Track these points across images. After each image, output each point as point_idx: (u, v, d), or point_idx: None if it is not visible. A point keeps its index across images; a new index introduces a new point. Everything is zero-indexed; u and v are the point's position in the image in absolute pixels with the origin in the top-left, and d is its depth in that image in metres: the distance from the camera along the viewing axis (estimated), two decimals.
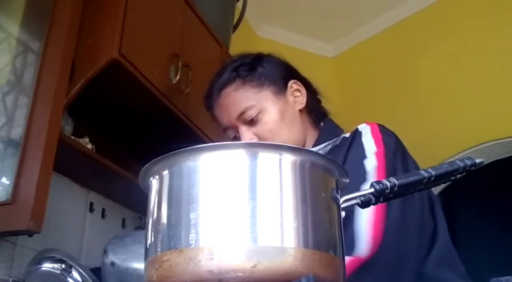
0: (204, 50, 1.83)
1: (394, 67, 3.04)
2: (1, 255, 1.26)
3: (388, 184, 0.57)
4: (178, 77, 1.53)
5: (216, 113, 1.11)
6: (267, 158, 0.53)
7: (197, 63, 1.69)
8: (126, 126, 1.66)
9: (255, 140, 1.03)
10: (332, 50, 3.38)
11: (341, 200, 0.57)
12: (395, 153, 0.93)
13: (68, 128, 1.38)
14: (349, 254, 0.82)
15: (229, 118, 1.06)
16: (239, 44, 2.29)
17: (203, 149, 0.53)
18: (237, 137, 1.07)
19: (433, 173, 0.60)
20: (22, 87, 1.37)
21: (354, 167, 0.90)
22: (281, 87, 1.07)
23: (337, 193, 0.57)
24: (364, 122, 1.02)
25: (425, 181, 0.59)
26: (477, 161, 0.63)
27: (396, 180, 0.58)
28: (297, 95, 1.08)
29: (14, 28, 1.48)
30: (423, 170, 0.60)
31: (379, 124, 1.00)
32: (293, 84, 1.09)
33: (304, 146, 1.07)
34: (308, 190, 0.53)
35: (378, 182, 0.58)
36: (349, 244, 0.83)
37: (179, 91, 1.55)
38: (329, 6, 3.05)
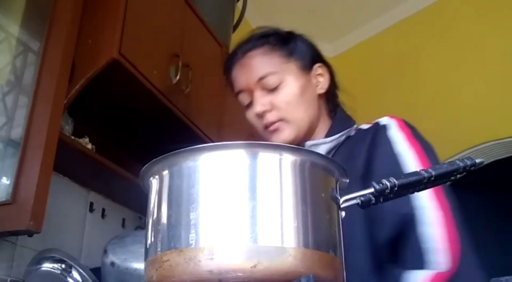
0: (204, 50, 1.83)
1: (394, 67, 3.04)
2: (1, 255, 1.26)
3: (388, 184, 0.57)
4: (178, 77, 1.53)
5: (234, 74, 1.06)
6: (267, 158, 0.53)
7: (197, 63, 1.69)
8: (126, 126, 1.66)
9: (267, 108, 0.99)
10: (332, 50, 3.38)
11: (341, 200, 0.57)
12: (426, 145, 0.92)
13: (68, 128, 1.38)
14: (419, 268, 0.76)
15: (247, 81, 1.02)
16: None
17: (203, 149, 0.53)
18: (247, 105, 1.04)
19: (433, 173, 0.60)
20: (22, 87, 1.37)
21: (388, 160, 0.88)
22: (307, 66, 1.04)
23: (337, 193, 0.57)
24: (385, 116, 1.00)
25: (425, 181, 0.59)
26: (477, 161, 0.63)
27: (396, 179, 0.58)
28: (320, 80, 1.06)
29: (14, 28, 1.48)
30: (423, 170, 0.60)
31: (404, 120, 0.98)
32: (318, 68, 1.06)
33: (314, 132, 1.04)
34: (308, 190, 0.53)
35: (378, 182, 0.58)
36: (416, 255, 0.77)
37: (179, 91, 1.56)
38: (329, 6, 3.05)
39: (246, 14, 2.27)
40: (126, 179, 1.50)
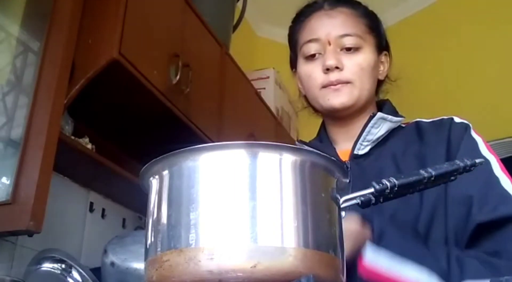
0: (204, 50, 1.83)
1: (394, 67, 3.04)
2: (1, 255, 1.26)
3: (388, 184, 0.57)
4: (178, 77, 1.53)
5: (314, 22, 1.02)
6: (267, 158, 0.53)
7: (197, 63, 1.69)
8: (126, 126, 1.66)
9: (340, 65, 0.97)
10: None
11: (341, 200, 0.57)
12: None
13: (68, 128, 1.38)
14: None
15: (327, 32, 0.99)
16: (239, 44, 2.29)
17: (203, 149, 0.53)
18: (310, 56, 1.00)
19: (433, 173, 0.60)
20: (22, 87, 1.37)
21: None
22: (379, 47, 1.05)
23: (337, 193, 0.57)
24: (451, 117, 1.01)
25: (425, 181, 0.59)
26: (477, 161, 0.63)
27: (396, 180, 0.58)
28: (381, 67, 1.07)
29: (14, 28, 1.48)
30: (423, 170, 0.60)
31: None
32: (384, 55, 1.08)
33: (364, 113, 1.03)
34: (308, 190, 0.53)
35: (378, 182, 0.58)
36: None
37: (179, 91, 1.56)
38: None
39: (246, 14, 2.27)
40: (126, 179, 1.50)
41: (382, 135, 0.99)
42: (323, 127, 1.07)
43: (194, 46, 1.72)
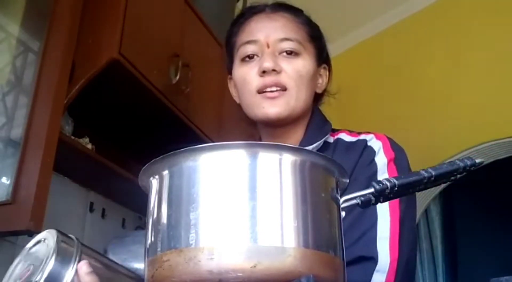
0: (204, 50, 1.83)
1: (394, 67, 3.04)
2: (1, 255, 1.26)
3: (388, 184, 0.57)
4: (178, 77, 1.53)
5: (255, 24, 0.97)
6: (267, 158, 0.53)
7: (197, 63, 1.69)
8: (126, 126, 1.66)
9: (277, 68, 0.91)
10: (332, 50, 3.38)
11: (341, 200, 0.57)
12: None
13: (68, 128, 1.38)
14: None
15: (267, 34, 0.93)
16: None
17: (203, 149, 0.53)
18: (246, 58, 0.95)
19: (433, 173, 0.60)
20: (22, 87, 1.37)
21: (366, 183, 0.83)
22: (319, 59, 0.99)
23: (337, 193, 0.57)
24: (371, 133, 0.94)
25: (425, 181, 0.59)
26: (477, 161, 0.63)
27: (396, 180, 0.58)
28: (319, 80, 1.00)
29: (14, 28, 1.48)
30: (423, 170, 0.60)
31: (389, 139, 0.93)
32: (323, 68, 1.01)
33: (297, 126, 0.97)
34: (308, 190, 0.53)
35: (378, 182, 0.58)
36: None
37: (179, 91, 1.56)
38: (328, 6, 3.05)
39: None
40: (126, 179, 1.50)
41: None
42: (258, 137, 1.02)
43: (194, 46, 1.72)
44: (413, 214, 0.87)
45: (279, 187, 0.52)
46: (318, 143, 0.94)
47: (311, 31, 0.99)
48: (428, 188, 0.63)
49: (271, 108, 0.91)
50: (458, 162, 0.61)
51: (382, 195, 0.58)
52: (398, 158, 0.89)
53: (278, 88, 0.91)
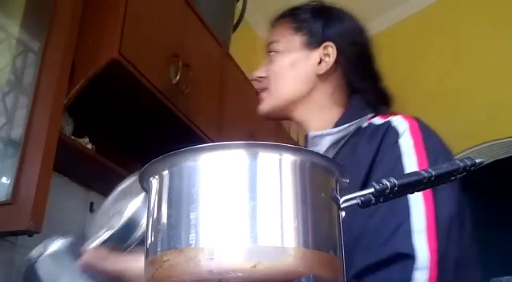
0: (204, 50, 1.83)
1: (394, 67, 3.04)
2: (1, 255, 1.26)
3: (388, 184, 0.57)
4: (178, 77, 1.53)
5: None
6: (267, 158, 0.53)
7: (197, 63, 1.69)
8: (126, 126, 1.66)
9: (263, 74, 1.01)
10: None
11: (341, 200, 0.57)
12: (437, 158, 0.83)
13: (68, 128, 1.38)
14: None
15: (266, 44, 1.05)
16: (239, 44, 2.30)
17: (203, 149, 0.53)
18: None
19: (433, 173, 0.60)
20: (22, 87, 1.37)
21: (390, 172, 0.79)
22: (313, 43, 0.99)
23: (337, 193, 0.57)
24: (399, 114, 0.91)
25: (425, 181, 0.59)
26: (477, 161, 0.63)
27: (396, 180, 0.58)
28: (325, 60, 0.98)
29: (14, 28, 1.48)
30: (423, 170, 0.60)
31: (417, 120, 0.89)
32: (328, 47, 0.99)
33: (300, 106, 1.00)
34: (308, 190, 0.53)
35: (378, 182, 0.58)
36: None
37: (179, 91, 1.56)
38: None
39: (246, 14, 2.27)
40: None
41: (326, 150, 0.93)
42: None
43: (194, 46, 1.72)
44: (450, 201, 0.80)
45: (279, 187, 0.52)
46: (345, 126, 0.93)
47: (295, 23, 1.02)
48: (428, 188, 0.63)
49: (259, 109, 1.02)
50: (458, 162, 0.61)
51: (382, 195, 0.58)
52: (427, 138, 0.85)
53: (263, 91, 1.01)
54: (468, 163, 0.61)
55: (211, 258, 0.48)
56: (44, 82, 1.23)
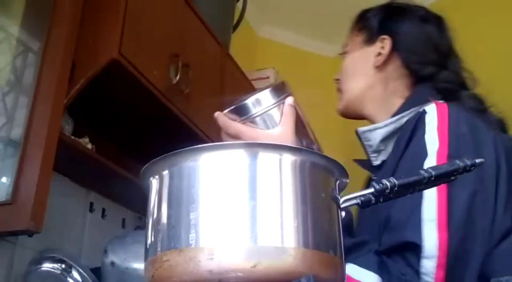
0: (204, 50, 1.83)
1: None
2: (1, 255, 1.26)
3: (388, 184, 0.58)
4: (178, 77, 1.53)
5: None
6: (267, 158, 0.53)
7: (197, 63, 1.69)
8: (126, 126, 1.66)
9: (338, 77, 1.09)
10: (332, 50, 3.38)
11: (341, 200, 0.57)
12: (460, 147, 0.81)
13: (68, 128, 1.38)
14: None
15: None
16: (239, 44, 2.29)
17: (203, 149, 0.53)
18: None
19: (433, 173, 0.60)
20: (22, 87, 1.37)
21: (410, 168, 0.79)
22: (371, 39, 1.06)
23: (337, 193, 0.57)
24: (433, 101, 0.89)
25: (425, 181, 0.60)
26: (477, 161, 0.63)
27: (396, 180, 0.58)
28: (381, 52, 1.03)
29: (14, 28, 1.48)
30: (423, 170, 0.60)
31: (449, 107, 0.88)
32: (384, 40, 1.04)
33: (375, 109, 1.02)
34: (308, 190, 0.53)
35: (378, 182, 0.58)
36: None
37: (179, 91, 1.55)
38: (329, 6, 3.05)
39: (246, 14, 2.26)
40: (126, 179, 1.49)
41: (380, 144, 0.95)
42: None
43: (194, 46, 1.72)
44: (465, 192, 0.79)
45: (279, 187, 0.52)
46: (395, 119, 0.94)
47: (359, 24, 1.10)
48: (428, 188, 0.63)
49: (337, 108, 1.10)
50: (458, 162, 0.62)
51: (382, 195, 0.58)
52: (453, 127, 0.84)
53: (338, 92, 1.09)
54: (468, 163, 0.62)
55: (211, 258, 0.48)
56: (44, 82, 1.23)
